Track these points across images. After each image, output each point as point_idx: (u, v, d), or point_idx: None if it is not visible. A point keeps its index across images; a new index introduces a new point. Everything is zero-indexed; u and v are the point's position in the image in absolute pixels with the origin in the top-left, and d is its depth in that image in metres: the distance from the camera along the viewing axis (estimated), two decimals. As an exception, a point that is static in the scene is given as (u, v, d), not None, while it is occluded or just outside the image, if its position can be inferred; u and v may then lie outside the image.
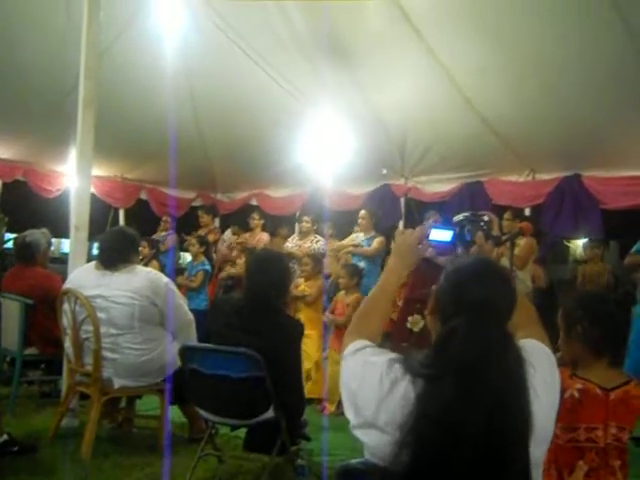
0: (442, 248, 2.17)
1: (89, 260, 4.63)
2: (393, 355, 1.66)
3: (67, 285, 4.26)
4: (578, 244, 9.59)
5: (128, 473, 3.78)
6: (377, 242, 7.02)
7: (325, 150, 7.21)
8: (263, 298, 3.60)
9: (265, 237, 8.47)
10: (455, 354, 1.49)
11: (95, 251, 4.85)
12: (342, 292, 5.97)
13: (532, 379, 1.54)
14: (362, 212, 7.37)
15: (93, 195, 5.43)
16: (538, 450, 1.57)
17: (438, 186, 8.18)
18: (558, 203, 7.13)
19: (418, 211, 7.97)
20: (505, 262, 3.19)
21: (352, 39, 5.99)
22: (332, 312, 5.91)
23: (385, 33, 5.76)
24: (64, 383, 4.60)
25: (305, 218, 7.72)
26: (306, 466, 3.76)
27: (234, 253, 8.43)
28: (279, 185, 9.71)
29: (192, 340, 4.21)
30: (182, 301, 4.44)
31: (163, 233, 9.47)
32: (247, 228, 8.79)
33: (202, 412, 3.62)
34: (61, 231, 7.15)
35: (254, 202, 10.24)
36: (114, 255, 4.19)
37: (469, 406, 1.43)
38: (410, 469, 1.46)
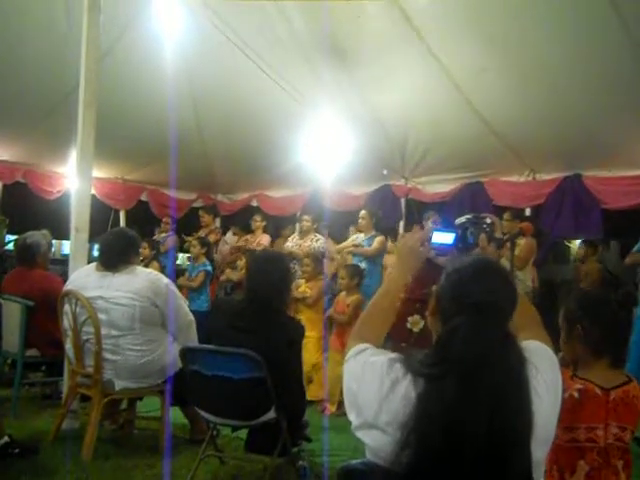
0: (444, 251, 2.16)
1: (89, 261, 4.63)
2: (393, 355, 1.66)
3: (68, 286, 4.26)
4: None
5: (129, 475, 3.78)
6: (377, 242, 7.02)
7: (325, 151, 7.21)
8: (264, 299, 3.60)
9: (266, 239, 8.48)
10: (456, 354, 1.50)
11: (96, 252, 4.84)
12: (343, 293, 5.96)
13: (534, 379, 1.55)
14: (362, 212, 7.37)
15: (93, 196, 5.43)
16: (539, 450, 1.57)
17: (438, 187, 8.20)
18: (558, 203, 7.13)
19: (418, 211, 7.96)
20: (505, 263, 3.19)
21: (352, 40, 5.98)
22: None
23: (385, 34, 5.76)
24: (65, 385, 4.59)
25: (305, 217, 7.73)
26: (307, 467, 3.76)
27: (233, 257, 8.44)
28: (280, 186, 9.73)
29: (193, 341, 4.21)
30: (183, 302, 4.44)
31: (163, 234, 9.48)
32: (248, 229, 8.81)
33: (203, 413, 3.62)
34: (62, 233, 7.15)
35: (254, 203, 10.26)
36: (114, 256, 4.19)
37: (470, 405, 1.44)
38: (411, 469, 1.46)
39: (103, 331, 3.99)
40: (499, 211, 7.32)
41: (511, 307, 1.72)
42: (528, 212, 7.48)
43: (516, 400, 1.48)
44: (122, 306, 4.02)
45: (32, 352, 4.95)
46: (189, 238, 8.25)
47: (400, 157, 7.90)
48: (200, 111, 7.83)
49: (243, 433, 3.91)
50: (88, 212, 4.73)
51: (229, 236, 8.99)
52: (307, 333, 5.53)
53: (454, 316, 1.59)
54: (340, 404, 5.28)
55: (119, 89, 6.69)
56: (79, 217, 4.70)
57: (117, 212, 10.22)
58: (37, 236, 5.33)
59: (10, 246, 7.99)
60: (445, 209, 7.90)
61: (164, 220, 9.67)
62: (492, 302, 1.64)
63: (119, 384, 4.07)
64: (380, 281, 6.99)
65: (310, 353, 5.73)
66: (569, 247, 10.40)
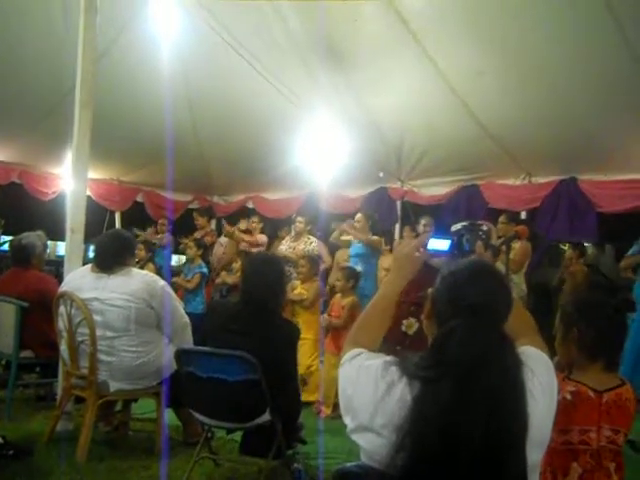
0: (439, 257, 2.17)
1: (85, 263, 4.62)
2: (388, 358, 1.67)
3: (63, 288, 4.25)
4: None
5: (124, 476, 3.77)
6: (376, 238, 7.06)
7: (322, 153, 7.22)
8: (259, 301, 3.60)
9: (263, 239, 8.51)
10: (452, 356, 1.50)
11: (91, 254, 4.83)
12: (338, 295, 5.97)
13: (530, 382, 1.55)
14: (358, 216, 7.39)
15: (89, 198, 5.41)
16: (535, 453, 1.58)
17: (434, 189, 8.20)
18: (554, 207, 7.14)
19: (414, 214, 7.97)
20: (500, 266, 3.19)
21: (348, 42, 5.99)
22: (328, 314, 5.91)
23: (382, 37, 5.76)
24: (59, 386, 4.58)
25: (299, 219, 7.76)
26: (302, 470, 3.75)
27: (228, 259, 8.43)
28: (275, 188, 9.72)
29: (188, 343, 4.20)
30: (178, 304, 4.44)
31: (159, 235, 9.47)
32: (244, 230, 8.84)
33: (198, 415, 3.61)
34: (57, 234, 7.14)
35: (250, 205, 10.26)
36: (110, 258, 4.19)
37: (466, 408, 1.44)
38: (407, 472, 1.46)
39: (98, 332, 3.98)
40: (495, 214, 7.34)
41: (506, 310, 1.73)
42: (524, 215, 7.49)
43: (512, 402, 1.48)
44: (117, 307, 4.01)
45: (27, 353, 4.93)
46: (185, 240, 8.25)
47: (396, 160, 7.90)
48: (196, 113, 7.83)
49: (238, 435, 3.92)
50: (83, 213, 4.72)
51: (224, 239, 8.98)
52: (303, 335, 5.54)
53: (450, 318, 1.60)
54: (335, 406, 5.28)
55: (115, 90, 6.69)
56: (74, 218, 4.69)
57: (112, 213, 10.21)
58: (32, 237, 5.32)
59: (5, 247, 7.99)
60: (441, 212, 7.91)
61: (160, 221, 9.67)
62: (488, 304, 1.65)
63: (114, 385, 4.07)
64: (375, 283, 7.02)
65: (305, 355, 5.74)
66: (564, 250, 10.43)
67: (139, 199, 10.41)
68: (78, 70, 4.74)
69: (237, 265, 8.04)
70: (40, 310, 4.69)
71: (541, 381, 1.64)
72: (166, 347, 4.16)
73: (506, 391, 1.48)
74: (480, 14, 5.18)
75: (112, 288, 4.07)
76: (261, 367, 3.24)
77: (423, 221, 7.04)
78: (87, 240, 4.84)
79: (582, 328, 2.41)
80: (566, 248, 7.48)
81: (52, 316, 4.28)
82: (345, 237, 7.64)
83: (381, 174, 8.27)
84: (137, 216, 10.41)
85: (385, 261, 7.20)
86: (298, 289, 6.28)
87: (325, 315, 5.94)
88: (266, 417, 3.38)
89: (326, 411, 5.50)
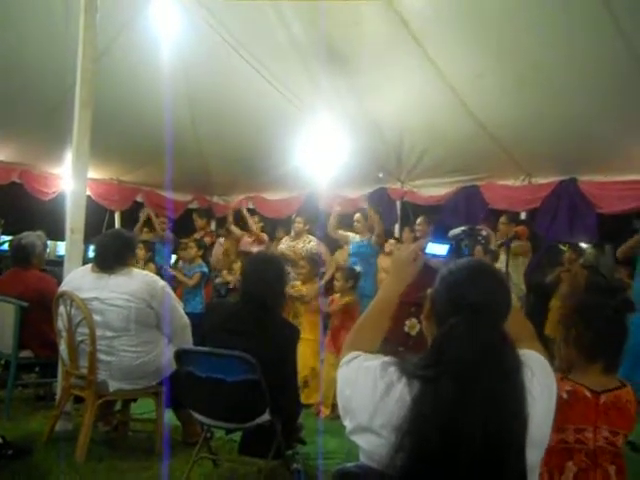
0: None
1: (84, 263, 4.62)
2: (386, 359, 1.67)
3: (63, 287, 4.25)
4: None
5: (123, 476, 3.77)
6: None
7: (322, 153, 7.22)
8: (259, 301, 3.60)
9: (264, 237, 8.53)
10: (452, 355, 1.50)
11: (91, 254, 4.84)
12: (337, 294, 5.97)
13: (529, 383, 1.55)
14: (357, 215, 7.40)
15: (89, 197, 5.42)
16: (534, 453, 1.58)
17: (434, 190, 8.20)
18: (554, 207, 7.14)
19: (414, 215, 7.97)
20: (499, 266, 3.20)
21: (349, 42, 5.98)
22: (329, 315, 5.92)
23: (382, 38, 5.76)
24: (59, 386, 4.58)
25: (298, 219, 7.79)
26: (302, 470, 3.76)
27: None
28: (275, 188, 9.72)
29: (188, 343, 4.20)
30: (178, 304, 4.44)
31: (160, 233, 9.47)
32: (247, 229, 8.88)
33: (197, 415, 3.61)
34: (57, 233, 7.13)
35: (250, 205, 10.25)
36: (110, 258, 4.19)
37: (466, 406, 1.44)
38: (406, 471, 1.46)
39: (98, 332, 3.99)
40: (494, 215, 7.34)
41: (506, 309, 1.74)
42: (523, 216, 7.49)
43: (512, 401, 1.48)
44: (117, 307, 4.01)
45: (26, 353, 4.94)
46: (186, 240, 8.27)
47: (396, 160, 7.91)
48: (196, 112, 7.83)
49: (237, 435, 3.92)
50: (83, 213, 4.73)
51: (223, 240, 9.01)
52: (307, 336, 5.59)
53: (449, 318, 1.60)
54: (334, 407, 5.28)
55: (115, 89, 6.69)
56: (74, 218, 4.69)
57: (112, 213, 10.21)
58: (32, 237, 5.32)
59: (5, 247, 7.99)
60: (441, 213, 7.91)
61: (160, 219, 9.66)
62: (487, 303, 1.65)
63: (113, 385, 4.07)
64: (374, 283, 7.02)
65: (309, 357, 5.74)
66: (564, 251, 10.42)
67: (139, 199, 10.41)
68: (78, 69, 4.74)
69: (237, 265, 8.04)
70: (40, 310, 4.69)
71: (540, 382, 1.64)
72: (166, 347, 4.16)
73: (506, 390, 1.48)
74: (480, 15, 5.18)
75: (112, 288, 4.07)
76: (260, 367, 3.24)
77: (418, 220, 7.04)
78: (87, 240, 4.84)
79: (580, 329, 2.42)
80: (565, 249, 7.47)
81: (52, 316, 4.28)
82: (343, 232, 7.63)
83: (381, 174, 8.27)
84: (137, 216, 10.39)
85: (384, 261, 7.20)
86: (297, 286, 6.28)
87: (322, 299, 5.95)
88: (265, 417, 3.38)
89: (325, 411, 5.50)
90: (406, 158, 7.79)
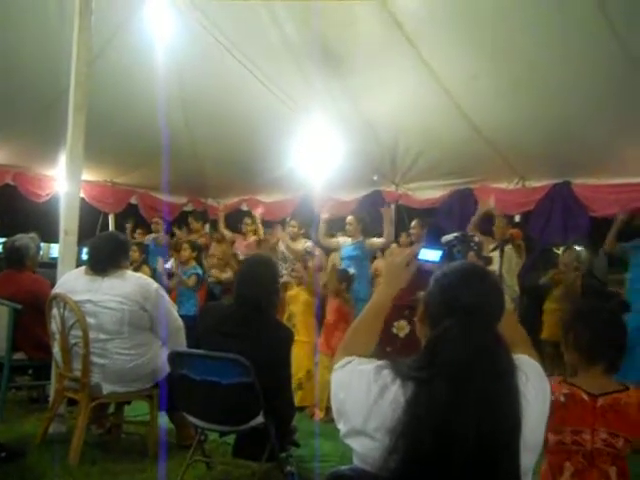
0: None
1: (78, 265, 4.61)
2: (380, 362, 1.67)
3: (56, 290, 4.25)
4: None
5: (116, 479, 3.76)
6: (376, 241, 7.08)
7: (316, 156, 7.22)
8: (253, 303, 3.60)
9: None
10: (446, 356, 1.51)
11: (84, 256, 4.83)
12: (331, 297, 5.97)
13: (524, 387, 1.56)
14: (349, 218, 7.40)
15: (82, 200, 5.41)
16: (528, 457, 1.58)
17: (429, 193, 8.20)
18: (548, 210, 7.15)
19: (409, 218, 7.97)
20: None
21: (343, 44, 5.99)
22: (324, 317, 5.92)
23: (376, 39, 5.76)
24: (52, 388, 4.58)
25: (292, 222, 7.79)
26: (295, 473, 3.75)
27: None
28: (270, 190, 9.72)
29: (182, 346, 4.20)
30: (172, 307, 4.44)
31: (153, 235, 9.46)
32: (239, 232, 8.87)
33: (191, 418, 3.61)
34: (50, 236, 7.13)
35: (245, 207, 10.25)
36: (104, 260, 4.18)
37: (459, 408, 1.44)
38: (400, 473, 1.46)
39: (91, 335, 3.98)
40: (488, 218, 7.35)
41: (499, 311, 1.75)
42: (517, 219, 7.50)
43: (505, 402, 1.49)
44: (111, 310, 4.01)
45: (19, 355, 4.93)
46: (180, 232, 8.26)
47: (390, 162, 7.91)
48: (191, 115, 7.82)
49: (231, 438, 3.91)
50: (77, 215, 4.72)
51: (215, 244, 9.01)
52: (301, 338, 5.59)
53: (443, 320, 1.61)
54: (328, 410, 5.28)
55: (109, 91, 6.67)
56: (68, 220, 4.69)
57: (106, 216, 10.19)
58: (26, 239, 5.31)
59: (-2, 249, 7.97)
60: (435, 215, 7.92)
61: (154, 220, 9.65)
62: (481, 305, 1.66)
63: (107, 388, 4.06)
64: (368, 285, 7.03)
65: (303, 359, 5.74)
66: (557, 254, 10.45)
67: (133, 201, 10.39)
68: (72, 72, 4.74)
69: (230, 266, 8.05)
70: (33, 312, 4.68)
71: (535, 386, 1.65)
72: (160, 350, 4.16)
73: (500, 391, 1.48)
74: (475, 17, 5.18)
75: (106, 290, 4.06)
76: (254, 369, 3.24)
77: (412, 223, 7.05)
78: (80, 242, 4.84)
79: (579, 333, 2.49)
80: (560, 252, 7.49)
81: (45, 318, 4.27)
82: (333, 239, 7.62)
83: (375, 177, 8.27)
84: (130, 218, 10.38)
85: (380, 264, 7.21)
86: (294, 291, 6.29)
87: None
88: (259, 420, 3.38)
89: (319, 414, 5.50)
90: (400, 160, 7.79)
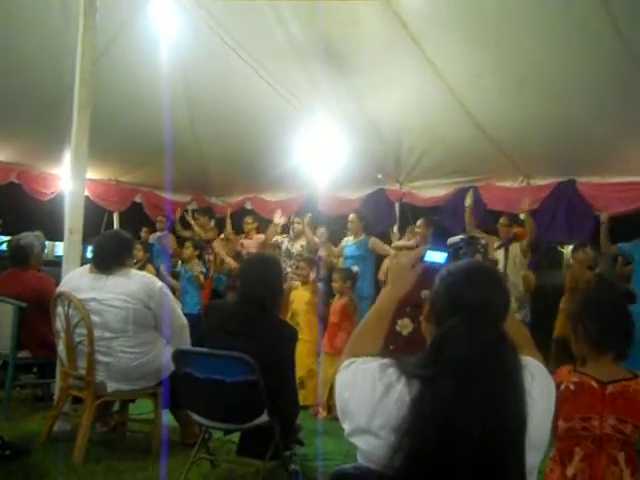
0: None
1: (83, 263, 4.62)
2: (385, 360, 1.67)
3: (61, 288, 4.25)
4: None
5: (121, 477, 3.77)
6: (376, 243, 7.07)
7: (320, 154, 7.22)
8: (258, 301, 3.60)
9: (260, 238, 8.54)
10: (452, 354, 1.51)
11: (89, 254, 4.83)
12: (336, 296, 5.97)
13: (529, 385, 1.56)
14: (351, 216, 7.40)
15: (87, 198, 5.42)
16: (533, 455, 1.58)
17: (433, 191, 8.20)
18: (552, 209, 7.15)
19: (413, 216, 7.97)
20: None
21: (347, 43, 5.99)
22: (328, 317, 5.91)
23: (381, 39, 5.76)
24: (57, 387, 4.58)
25: (297, 219, 7.80)
26: (299, 471, 3.75)
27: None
28: (274, 189, 9.73)
29: (186, 344, 4.20)
30: (176, 305, 4.44)
31: (158, 234, 9.47)
32: (241, 232, 8.86)
33: (195, 416, 3.61)
34: (55, 234, 7.11)
35: (249, 206, 10.26)
36: (108, 258, 4.19)
37: (465, 405, 1.44)
38: (405, 472, 1.46)
39: (96, 333, 3.98)
40: (493, 216, 7.35)
41: (504, 309, 1.75)
42: (522, 217, 7.49)
43: (511, 400, 1.49)
44: (115, 308, 4.01)
45: (24, 353, 4.93)
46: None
47: (395, 161, 7.91)
48: (195, 114, 7.83)
49: (235, 436, 3.91)
50: (82, 214, 4.73)
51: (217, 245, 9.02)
52: (304, 337, 5.58)
53: (449, 318, 1.61)
54: (331, 408, 5.28)
55: (114, 90, 6.68)
56: (73, 218, 4.69)
57: (111, 214, 10.20)
58: (30, 237, 5.32)
59: (3, 247, 7.98)
60: (439, 214, 7.91)
61: (158, 219, 9.66)
62: (486, 303, 1.66)
63: (111, 386, 4.07)
64: (371, 284, 7.04)
65: (305, 357, 5.74)
66: (562, 252, 10.44)
67: (137, 199, 10.41)
68: (77, 70, 4.74)
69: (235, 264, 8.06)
70: (38, 310, 4.69)
71: (540, 385, 1.65)
72: (164, 348, 4.16)
73: (505, 389, 1.48)
74: (479, 16, 5.18)
75: (110, 289, 4.07)
76: (259, 368, 3.24)
77: (418, 223, 7.05)
78: (85, 240, 4.84)
79: (587, 324, 2.60)
80: (565, 250, 7.48)
81: (50, 316, 4.28)
82: (332, 247, 7.62)
83: (380, 175, 8.28)
84: (135, 216, 10.41)
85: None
86: (298, 290, 6.29)
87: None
88: (264, 418, 3.38)
89: (323, 413, 5.50)
90: (405, 159, 7.80)
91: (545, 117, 6.08)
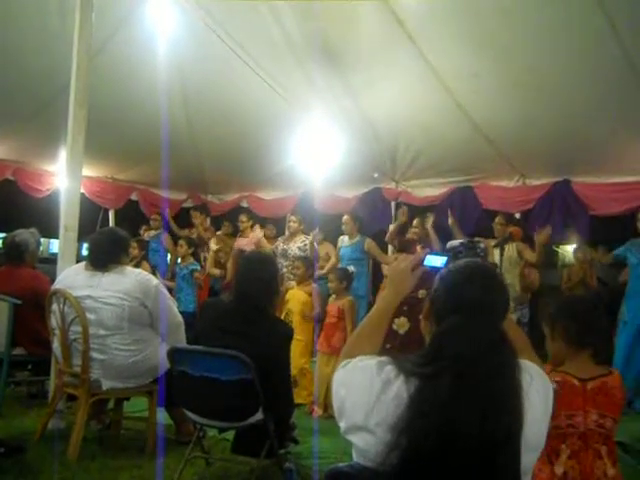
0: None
1: (78, 261, 4.61)
2: (382, 358, 1.67)
3: (56, 285, 4.24)
4: (567, 249, 9.65)
5: (115, 475, 3.76)
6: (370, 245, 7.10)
7: (316, 153, 7.22)
8: (253, 300, 3.60)
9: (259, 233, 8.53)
10: (450, 352, 1.51)
11: (85, 252, 4.83)
12: (333, 296, 5.97)
13: (527, 386, 1.56)
14: (345, 217, 7.42)
15: (83, 195, 5.41)
16: (529, 457, 1.58)
17: (429, 190, 8.21)
18: (548, 208, 7.16)
19: (409, 215, 7.98)
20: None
21: (345, 43, 5.99)
22: (325, 318, 5.91)
23: (377, 37, 5.76)
24: (51, 384, 4.58)
25: (292, 218, 7.77)
26: (294, 469, 3.75)
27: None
28: (270, 187, 9.72)
29: (181, 342, 4.20)
30: (172, 303, 4.44)
31: (152, 232, 9.46)
32: (237, 230, 8.86)
33: (190, 414, 3.61)
34: (50, 231, 7.12)
35: (244, 204, 10.26)
36: (104, 256, 4.18)
37: (463, 403, 1.45)
38: (401, 469, 1.46)
39: (91, 330, 3.98)
40: (489, 215, 7.36)
41: (504, 308, 1.78)
42: (517, 217, 7.51)
43: (508, 398, 1.49)
44: (111, 306, 4.01)
45: (19, 351, 4.92)
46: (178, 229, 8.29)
47: (391, 160, 7.92)
48: (191, 111, 7.81)
49: (230, 435, 3.92)
50: (77, 211, 4.72)
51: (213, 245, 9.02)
52: (298, 337, 5.57)
53: (448, 316, 1.62)
54: (326, 406, 5.29)
55: (110, 87, 6.67)
56: (68, 216, 4.69)
57: (106, 211, 10.19)
58: (25, 234, 5.31)
59: (-2, 244, 7.97)
60: (435, 213, 7.92)
61: (152, 217, 9.65)
62: (486, 302, 1.69)
63: (106, 384, 4.06)
64: (367, 283, 7.04)
65: (298, 356, 5.74)
66: (557, 252, 10.46)
67: (133, 197, 10.39)
68: (73, 68, 4.73)
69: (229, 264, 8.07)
70: (33, 307, 4.68)
71: (538, 386, 1.66)
72: (160, 346, 4.16)
73: (503, 388, 1.49)
74: (476, 15, 5.18)
75: (105, 286, 4.06)
76: (254, 366, 3.24)
77: (414, 222, 7.06)
78: (80, 238, 4.84)
79: (565, 322, 2.66)
80: (560, 250, 7.51)
81: (45, 314, 4.27)
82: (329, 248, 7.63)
83: (375, 175, 8.28)
84: (131, 214, 10.39)
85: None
86: (294, 290, 6.29)
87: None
88: (259, 416, 3.38)
89: (318, 411, 5.50)
90: (401, 158, 7.80)
91: (541, 117, 6.09)
